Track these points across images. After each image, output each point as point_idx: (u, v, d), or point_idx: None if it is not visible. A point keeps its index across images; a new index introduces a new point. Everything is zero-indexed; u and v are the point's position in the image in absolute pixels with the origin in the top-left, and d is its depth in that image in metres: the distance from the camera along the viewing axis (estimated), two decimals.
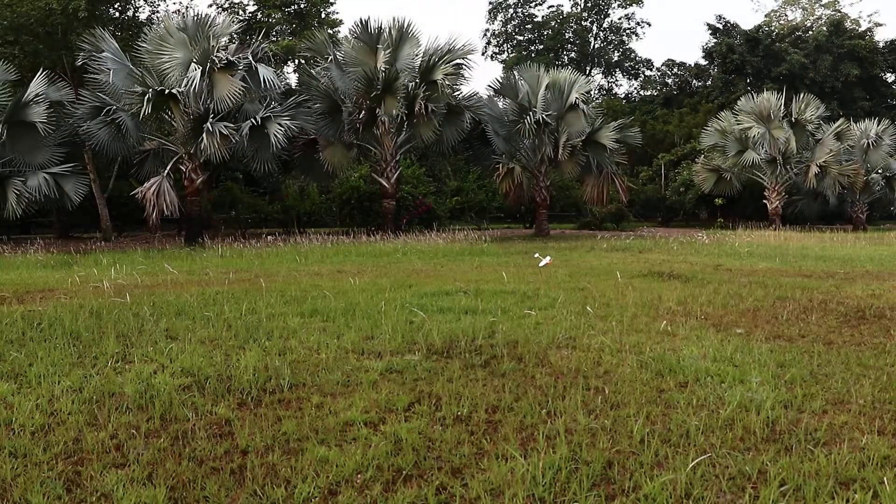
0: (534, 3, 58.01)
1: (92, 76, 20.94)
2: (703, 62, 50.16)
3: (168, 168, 20.53)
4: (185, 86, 19.94)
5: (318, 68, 24.53)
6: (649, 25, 74.03)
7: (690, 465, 3.38)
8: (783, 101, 30.74)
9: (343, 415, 4.16)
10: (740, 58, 44.61)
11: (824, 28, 45.54)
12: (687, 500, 3.10)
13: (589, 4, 57.73)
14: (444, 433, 3.87)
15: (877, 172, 32.33)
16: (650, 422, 4.02)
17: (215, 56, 20.08)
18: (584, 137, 24.85)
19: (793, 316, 7.02)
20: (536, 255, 13.41)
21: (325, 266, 12.51)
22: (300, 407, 4.34)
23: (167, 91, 19.81)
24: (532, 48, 57.23)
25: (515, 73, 26.88)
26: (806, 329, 6.37)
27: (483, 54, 59.21)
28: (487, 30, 61.07)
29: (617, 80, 57.91)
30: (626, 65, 58.85)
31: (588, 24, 57.62)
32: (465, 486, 3.24)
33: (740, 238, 20.77)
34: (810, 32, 46.49)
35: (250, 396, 4.52)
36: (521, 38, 58.36)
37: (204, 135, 19.35)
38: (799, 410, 4.27)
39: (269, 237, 21.53)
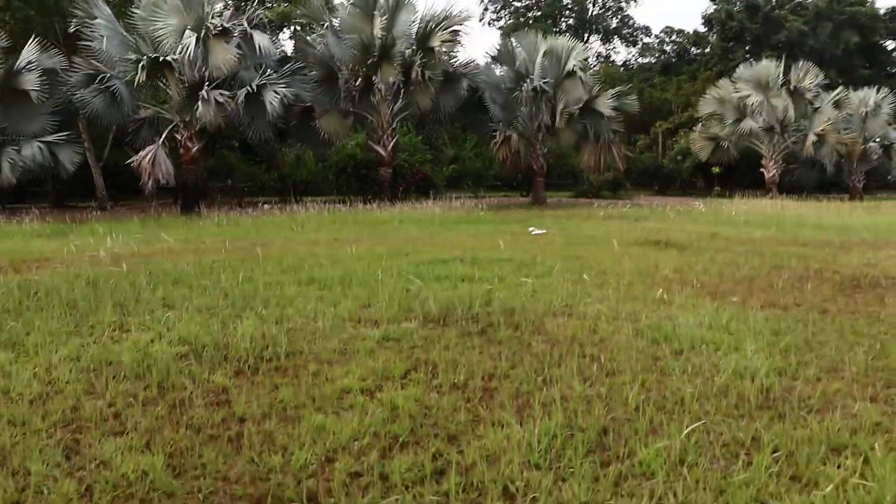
0: None
1: (85, 43, 20.65)
2: (701, 29, 50.16)
3: (163, 136, 20.38)
4: (180, 53, 19.82)
5: (314, 35, 24.42)
6: None
7: (685, 432, 3.39)
8: (782, 69, 30.58)
9: (340, 382, 4.17)
10: (739, 25, 44.54)
11: None
12: (681, 466, 3.12)
13: None
14: (440, 400, 3.88)
15: (874, 141, 32.11)
16: (645, 389, 4.03)
17: (210, 23, 19.88)
18: (581, 105, 24.66)
19: (788, 284, 7.04)
20: (531, 229, 13.21)
21: (322, 234, 12.48)
22: (297, 375, 4.34)
23: (162, 58, 19.68)
24: (529, 15, 56.74)
25: (513, 40, 26.79)
26: (801, 298, 6.40)
27: (480, 21, 59.23)
28: None
29: (615, 48, 57.46)
30: (624, 32, 58.38)
31: None
32: (461, 453, 3.25)
33: (737, 206, 20.83)
34: None
35: (247, 365, 4.53)
36: (518, 4, 57.77)
37: (199, 103, 19.32)
38: (793, 378, 4.29)
39: (265, 206, 21.63)
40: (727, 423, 3.59)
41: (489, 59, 26.64)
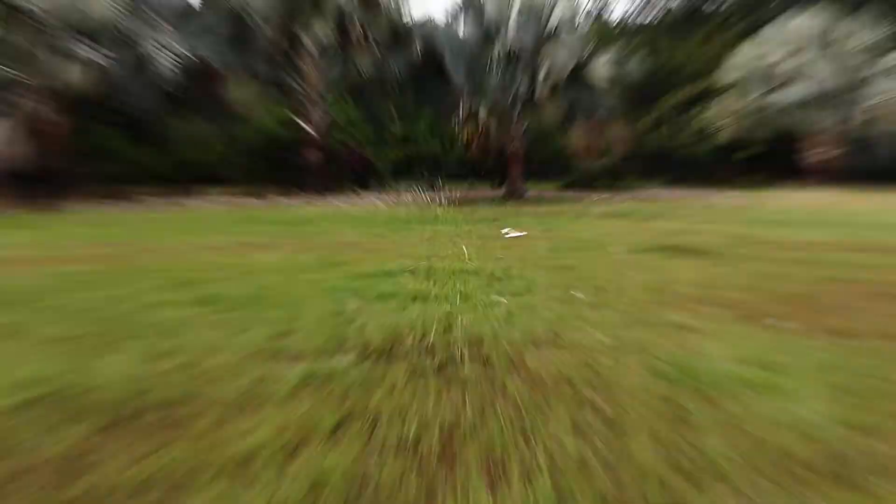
0: None
1: None
2: None
3: (16, 106, 19.64)
4: None
5: None
6: None
7: None
8: (826, 25, 30.29)
9: (247, 439, 3.98)
10: None
11: None
12: None
13: None
14: (383, 465, 3.70)
15: None
16: (661, 446, 3.86)
17: None
18: (568, 73, 24.03)
19: (846, 303, 6.84)
20: (506, 230, 13.12)
21: (227, 237, 12.09)
22: (187, 430, 4.13)
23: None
24: None
25: None
26: (867, 321, 6.23)
27: None
28: None
29: (609, 2, 56.95)
30: None
31: None
32: None
33: (771, 200, 20.51)
34: None
35: (118, 416, 4.27)
36: None
37: (66, 62, 18.89)
38: (865, 433, 4.12)
39: (152, 199, 21.05)
40: (777, 497, 3.44)
41: (450, 17, 26.12)
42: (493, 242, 11.23)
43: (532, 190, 28.68)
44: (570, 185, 32.47)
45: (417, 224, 14.68)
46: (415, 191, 23.81)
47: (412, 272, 7.94)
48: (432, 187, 29.75)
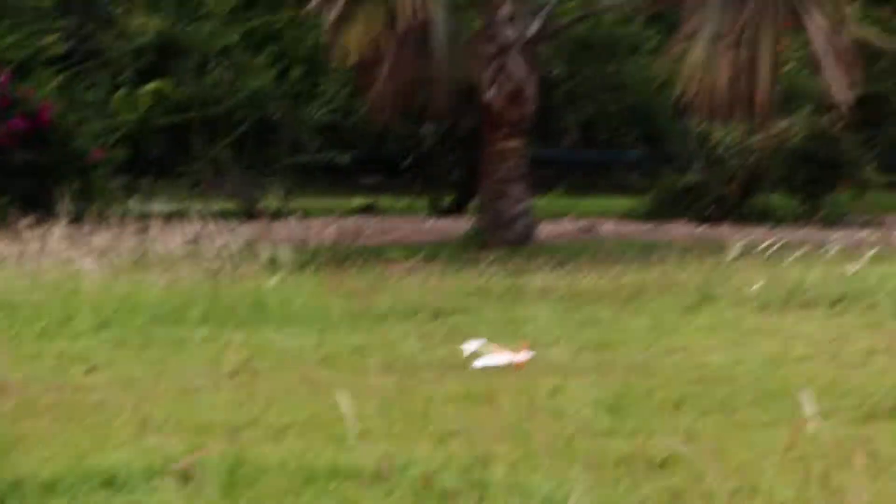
0: None
1: None
2: None
3: None
4: None
5: None
6: None
7: None
8: None
9: None
10: None
11: None
12: None
13: None
14: None
15: None
16: None
17: None
18: None
19: None
20: (472, 346, 10.68)
21: None
22: None
23: None
24: None
25: None
26: None
27: None
28: None
29: None
30: None
31: None
32: None
33: None
34: None
35: None
36: None
37: None
38: None
39: None
40: None
41: None
42: (432, 385, 8.82)
43: (545, 220, 25.00)
44: (663, 209, 27.99)
45: (199, 325, 11.59)
46: (194, 215, 19.07)
47: (183, 476, 6.03)
48: (248, 205, 27.16)
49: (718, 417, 7.80)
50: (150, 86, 27.47)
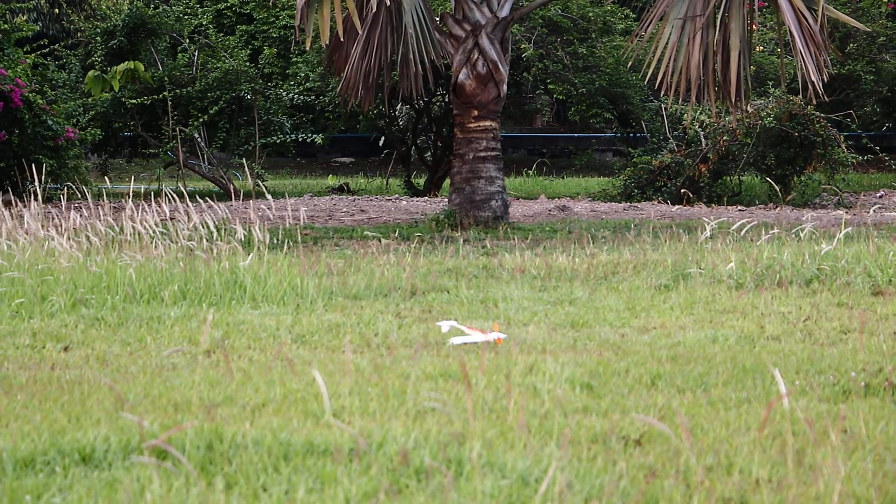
0: None
1: None
2: None
3: None
4: None
5: None
6: None
7: None
8: None
9: None
10: None
11: None
12: None
13: None
14: None
15: None
16: None
17: None
18: None
19: None
20: (447, 324, 10.70)
21: None
22: None
23: None
24: None
25: None
26: None
27: None
28: None
29: None
30: None
31: None
32: None
33: None
34: None
35: None
36: None
37: None
38: None
39: None
40: None
41: None
42: (408, 363, 8.62)
43: (528, 199, 25.99)
44: (638, 186, 27.94)
45: (174, 304, 11.01)
46: (168, 195, 18.53)
47: (160, 452, 6.09)
48: (222, 184, 27.68)
49: (693, 395, 7.79)
50: (122, 66, 26.96)
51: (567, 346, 9.72)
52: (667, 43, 21.07)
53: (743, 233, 15.82)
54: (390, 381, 8.07)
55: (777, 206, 26.30)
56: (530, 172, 35.47)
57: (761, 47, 35.24)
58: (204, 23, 31.62)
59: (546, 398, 7.56)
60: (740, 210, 25.37)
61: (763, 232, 15.61)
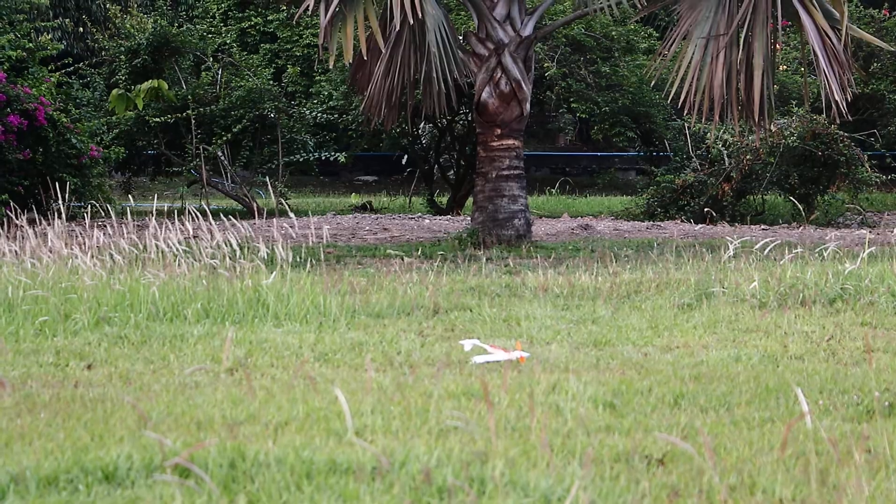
0: None
1: None
2: None
3: None
4: None
5: None
6: None
7: None
8: None
9: None
10: None
11: None
12: None
13: None
14: None
15: None
16: None
17: None
18: None
19: None
20: (470, 343, 10.65)
21: None
22: None
23: None
24: None
25: None
26: None
27: None
28: None
29: None
30: None
31: None
32: None
33: None
34: None
35: None
36: None
37: None
38: None
39: None
40: None
41: None
42: (430, 382, 8.62)
43: (542, 218, 26.24)
44: (659, 207, 28.07)
45: (196, 322, 10.86)
46: (191, 213, 18.41)
47: (182, 471, 6.11)
48: (245, 203, 28.08)
49: (716, 414, 7.79)
50: (146, 84, 27.18)
51: (590, 364, 9.73)
52: (690, 62, 20.97)
53: (766, 252, 15.84)
54: (413, 399, 8.07)
55: (800, 226, 26.21)
56: (553, 191, 35.25)
57: (785, 66, 35.23)
58: (228, 41, 31.87)
59: (569, 417, 7.55)
60: (763, 229, 25.24)
61: (786, 251, 15.63)
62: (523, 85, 21.92)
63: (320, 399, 8.19)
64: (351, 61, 21.59)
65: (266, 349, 10.73)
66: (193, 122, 27.79)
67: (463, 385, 8.57)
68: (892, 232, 22.79)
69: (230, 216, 18.38)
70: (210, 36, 30.84)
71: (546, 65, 29.57)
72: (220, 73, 29.55)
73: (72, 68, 29.37)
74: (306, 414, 7.79)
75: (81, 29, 40.87)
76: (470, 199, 25.81)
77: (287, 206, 24.77)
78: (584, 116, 34.14)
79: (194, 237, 15.52)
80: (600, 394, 8.24)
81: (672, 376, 9.32)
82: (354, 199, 33.33)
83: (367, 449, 6.41)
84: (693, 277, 15.14)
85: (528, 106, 22.48)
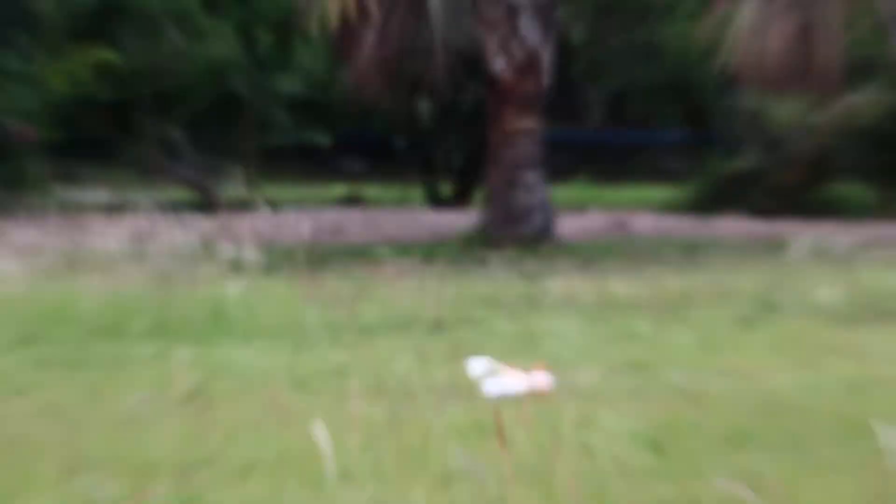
0: None
1: None
2: None
3: None
4: None
5: None
6: None
7: None
8: None
9: None
10: None
11: None
12: None
13: None
14: None
15: None
16: None
17: None
18: None
19: None
20: (479, 366, 10.57)
21: None
22: None
23: None
24: None
25: None
26: None
27: None
28: None
29: None
30: None
31: None
32: None
33: None
34: None
35: None
36: None
37: None
38: None
39: None
40: None
41: None
42: (431, 415, 8.63)
43: (567, 213, 25.71)
44: (710, 199, 28.61)
45: (145, 340, 11.90)
46: (141, 207, 19.30)
47: None
48: (207, 194, 27.93)
49: (786, 456, 7.53)
50: (91, 55, 27.22)
51: (628, 393, 9.51)
52: (744, 25, 21.06)
53: (842, 253, 15.83)
54: (410, 436, 7.83)
55: (882, 220, 26.23)
56: (580, 180, 35.55)
57: (859, 31, 35.36)
58: (189, 4, 32.05)
59: (602, 459, 7.27)
60: (837, 224, 25.06)
61: (866, 252, 15.63)
62: (543, 53, 22.12)
63: (296, 436, 7.77)
64: (337, 27, 21.79)
65: (230, 373, 10.46)
66: (147, 99, 27.96)
67: (471, 418, 8.35)
68: None
69: (189, 210, 18.52)
70: None
71: (570, 30, 29.72)
72: (179, 41, 29.74)
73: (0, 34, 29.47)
74: (278, 455, 7.52)
75: None
76: (479, 191, 25.80)
77: (258, 199, 24.82)
78: (616, 91, 34.53)
79: (145, 237, 15.36)
80: (641, 430, 7.94)
81: (730, 408, 9.14)
82: (340, 190, 33.59)
83: (352, 499, 6.43)
84: (753, 285, 15.03)
85: (548, 78, 22.68)
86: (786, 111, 28.43)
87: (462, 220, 24.89)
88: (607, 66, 32.78)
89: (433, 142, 32.66)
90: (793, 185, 28.58)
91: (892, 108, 27.92)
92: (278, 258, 16.04)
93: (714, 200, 29.29)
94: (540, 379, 9.48)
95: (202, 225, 15.98)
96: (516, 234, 21.80)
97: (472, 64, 24.13)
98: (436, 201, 30.68)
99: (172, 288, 13.42)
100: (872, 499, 6.71)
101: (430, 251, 19.84)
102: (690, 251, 20.44)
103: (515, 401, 9.18)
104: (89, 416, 8.86)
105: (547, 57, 22.50)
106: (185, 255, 14.31)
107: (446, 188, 32.55)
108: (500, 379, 9.73)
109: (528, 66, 22.45)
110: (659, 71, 32.50)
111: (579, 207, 29.49)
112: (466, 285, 15.94)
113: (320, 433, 6.67)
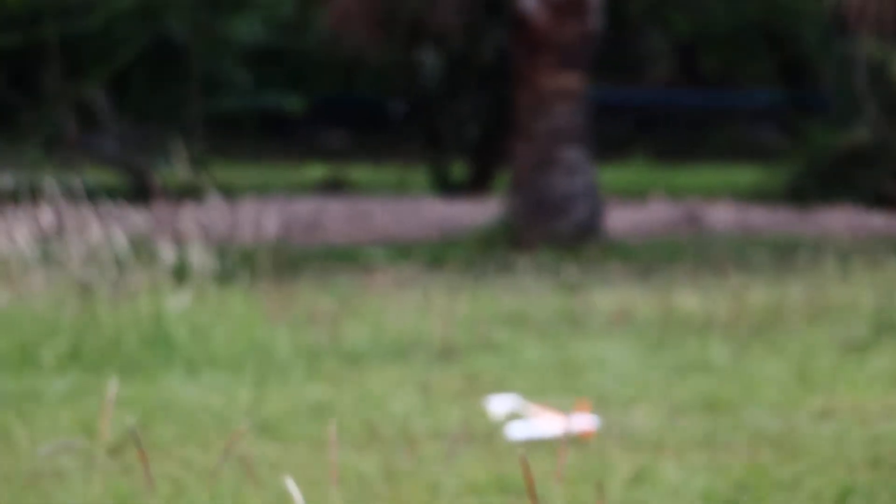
0: None
1: None
2: None
3: None
4: None
5: None
6: None
7: None
8: None
9: None
10: None
11: None
12: None
13: None
14: None
15: None
16: None
17: None
18: None
19: None
20: (498, 401, 10.97)
21: None
22: None
23: None
24: None
25: None
26: None
27: None
28: None
29: None
30: None
31: None
32: None
33: None
34: None
35: None
36: None
37: None
38: None
39: None
40: None
41: None
42: (438, 468, 8.87)
43: (618, 203, 26.19)
44: (813, 184, 28.81)
45: (59, 371, 12.42)
46: (52, 193, 18.95)
47: None
48: (139, 177, 28.14)
49: None
50: None
51: (699, 440, 9.67)
52: None
53: None
54: (411, 495, 7.98)
55: None
56: (638, 159, 35.60)
57: None
58: None
59: None
60: None
61: None
62: None
63: (260, 495, 7.95)
64: None
65: (172, 415, 10.66)
66: (56, 47, 28.06)
67: (492, 472, 8.37)
68: None
69: (116, 198, 18.61)
70: None
71: None
72: None
73: None
74: None
75: None
76: (502, 173, 26.88)
77: (207, 182, 24.99)
78: (688, 40, 34.52)
79: (58, 233, 15.55)
80: (716, 487, 8.04)
81: (834, 459, 9.23)
82: (317, 172, 33.69)
83: None
84: (868, 299, 15.28)
85: (597, 20, 22.64)
86: None
87: (479, 212, 25.12)
88: (676, 5, 32.73)
89: (441, 107, 32.57)
90: None
91: None
92: (235, 263, 16.02)
93: (819, 186, 29.34)
94: (582, 422, 9.60)
95: (133, 218, 16.14)
96: (552, 231, 22.07)
97: (492, 1, 23.86)
98: (445, 187, 30.84)
99: (95, 302, 13.57)
100: None
101: (437, 254, 20.37)
102: (785, 254, 20.53)
103: (549, 450, 9.08)
104: None
105: None
106: (112, 259, 14.39)
107: (458, 169, 33.02)
108: (529, 422, 9.94)
109: (570, 3, 22.14)
110: (744, 12, 32.51)
111: (637, 195, 29.85)
112: (485, 299, 16.19)
113: (293, 492, 6.51)
